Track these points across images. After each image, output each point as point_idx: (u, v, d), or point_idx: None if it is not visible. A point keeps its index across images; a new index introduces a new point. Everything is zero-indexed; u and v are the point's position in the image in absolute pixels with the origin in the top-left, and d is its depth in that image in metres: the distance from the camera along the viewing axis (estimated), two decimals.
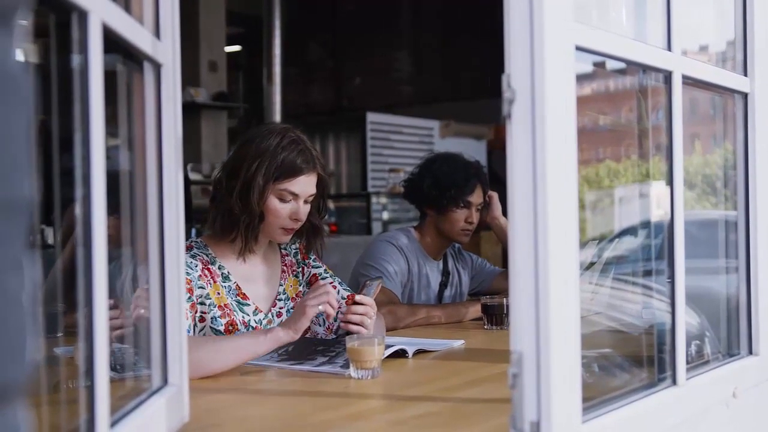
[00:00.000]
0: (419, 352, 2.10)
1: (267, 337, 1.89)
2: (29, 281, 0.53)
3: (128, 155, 1.33)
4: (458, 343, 2.27)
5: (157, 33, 1.30)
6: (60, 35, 0.99)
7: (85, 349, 0.96)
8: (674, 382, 1.44)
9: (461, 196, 2.87)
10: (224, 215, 2.11)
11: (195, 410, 1.41)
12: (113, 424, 1.04)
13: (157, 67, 1.30)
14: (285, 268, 2.28)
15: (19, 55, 0.54)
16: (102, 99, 0.98)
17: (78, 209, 0.97)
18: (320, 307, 1.89)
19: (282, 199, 2.10)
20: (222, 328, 2.06)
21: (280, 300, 2.23)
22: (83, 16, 0.96)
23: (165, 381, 1.32)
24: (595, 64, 1.38)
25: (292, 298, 2.26)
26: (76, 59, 0.97)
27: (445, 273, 3.04)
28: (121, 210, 1.28)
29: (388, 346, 1.95)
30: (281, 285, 2.25)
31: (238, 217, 2.09)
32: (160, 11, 1.31)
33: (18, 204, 0.51)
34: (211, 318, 2.05)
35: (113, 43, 1.07)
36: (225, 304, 2.09)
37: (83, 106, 0.96)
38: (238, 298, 2.13)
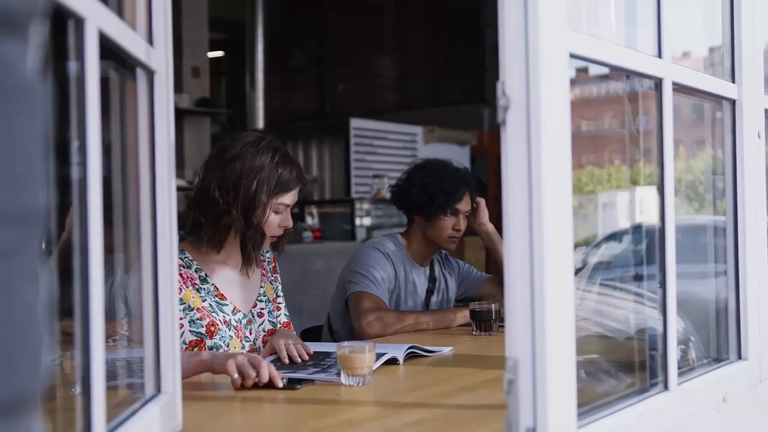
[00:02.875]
0: (411, 357, 2.10)
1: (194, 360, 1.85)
2: (43, 291, 0.52)
3: (120, 162, 1.32)
4: (447, 350, 2.27)
5: (150, 40, 1.29)
6: (54, 41, 0.99)
7: (82, 358, 0.96)
8: (666, 387, 1.45)
9: (450, 204, 2.86)
10: (222, 230, 2.14)
11: (188, 418, 1.40)
12: None
13: (150, 74, 1.29)
14: (264, 271, 2.35)
15: (32, 65, 0.54)
16: (98, 105, 0.98)
17: (73, 216, 0.97)
18: (235, 375, 1.75)
19: (277, 212, 2.19)
20: (203, 330, 2.11)
21: (261, 301, 2.30)
22: (80, 23, 0.95)
23: (158, 389, 1.31)
24: (578, 70, 1.38)
25: (272, 300, 2.34)
26: (71, 65, 0.97)
27: (432, 279, 3.04)
28: (112, 217, 1.27)
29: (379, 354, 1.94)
30: (262, 287, 2.32)
31: (242, 233, 2.15)
32: (152, 18, 1.30)
33: (33, 214, 0.50)
34: (190, 321, 2.10)
35: (107, 49, 1.06)
36: (203, 306, 2.13)
37: (80, 112, 0.96)
38: (217, 299, 2.18)
